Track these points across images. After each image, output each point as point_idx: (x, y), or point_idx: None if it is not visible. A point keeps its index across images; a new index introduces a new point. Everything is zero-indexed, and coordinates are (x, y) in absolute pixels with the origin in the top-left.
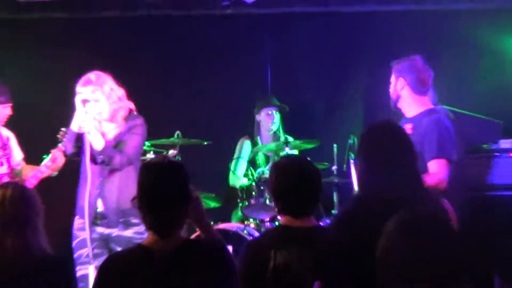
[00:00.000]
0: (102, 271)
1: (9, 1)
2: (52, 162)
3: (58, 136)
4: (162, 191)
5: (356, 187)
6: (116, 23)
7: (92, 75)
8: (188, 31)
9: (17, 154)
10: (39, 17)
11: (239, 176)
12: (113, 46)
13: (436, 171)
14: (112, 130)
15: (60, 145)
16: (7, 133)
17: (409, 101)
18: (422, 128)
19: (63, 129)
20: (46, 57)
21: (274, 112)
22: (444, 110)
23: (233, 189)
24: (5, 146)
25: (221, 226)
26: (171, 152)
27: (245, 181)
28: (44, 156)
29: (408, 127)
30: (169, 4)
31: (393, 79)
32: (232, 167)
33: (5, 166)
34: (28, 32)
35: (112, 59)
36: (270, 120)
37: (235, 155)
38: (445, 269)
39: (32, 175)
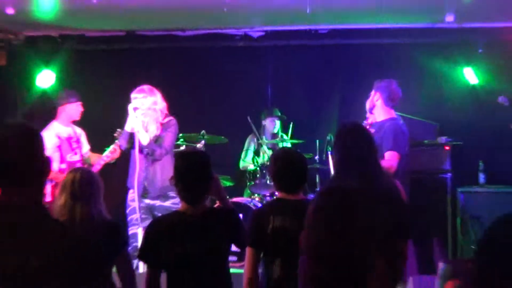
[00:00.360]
0: (150, 229)
1: (79, 36)
2: (111, 154)
3: (115, 135)
4: (192, 173)
5: (332, 172)
6: (162, 52)
7: (145, 87)
8: (212, 58)
9: (85, 146)
10: (102, 49)
11: (247, 162)
12: (160, 68)
13: (389, 159)
14: (154, 129)
15: (116, 141)
16: (80, 130)
17: (380, 110)
18: (385, 129)
19: (118, 129)
20: (107, 77)
21: (275, 120)
22: (400, 118)
23: (243, 172)
24: (78, 140)
25: (235, 199)
26: (199, 145)
27: (251, 167)
28: (106, 148)
29: (373, 129)
30: (200, 38)
31: (373, 92)
32: (242, 156)
33: (78, 155)
34: (94, 60)
35: (159, 78)
36: (272, 126)
37: (244, 148)
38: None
39: (97, 162)
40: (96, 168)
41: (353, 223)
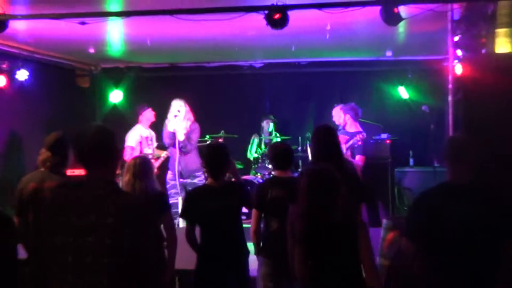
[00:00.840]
0: (188, 196)
1: (138, 67)
2: (158, 162)
3: (163, 156)
4: (216, 158)
5: (310, 158)
6: (194, 78)
7: (181, 100)
8: (227, 82)
9: (155, 143)
10: (154, 76)
11: (252, 153)
12: (192, 89)
13: (359, 160)
14: (185, 129)
15: (164, 153)
16: (153, 133)
17: (350, 125)
18: (357, 139)
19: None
20: (157, 95)
21: (269, 122)
22: (362, 128)
23: (249, 159)
24: (152, 139)
25: (244, 177)
26: (220, 140)
27: (255, 155)
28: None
29: (347, 136)
30: (219, 68)
31: (340, 113)
32: (248, 149)
33: (151, 149)
34: (148, 83)
35: (192, 96)
36: (267, 126)
37: (250, 143)
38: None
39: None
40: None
41: (333, 193)
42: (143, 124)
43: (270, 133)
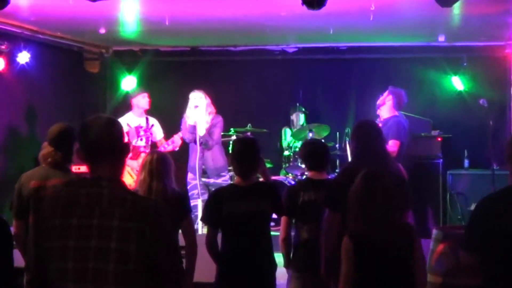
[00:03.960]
0: (212, 197)
1: (155, 50)
2: (172, 143)
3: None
4: (246, 154)
5: (349, 157)
6: (218, 63)
7: (200, 92)
8: (256, 68)
9: (159, 134)
10: (173, 60)
11: (287, 142)
12: (216, 76)
13: (392, 145)
14: (206, 123)
15: (180, 133)
16: (153, 121)
17: (387, 109)
18: (390, 123)
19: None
20: (176, 82)
21: (300, 114)
22: (402, 116)
23: (279, 156)
24: (148, 129)
25: (273, 177)
26: (248, 134)
27: (286, 153)
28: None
29: (380, 124)
30: (248, 53)
31: (386, 93)
32: (283, 139)
33: (144, 141)
34: (166, 69)
35: (216, 84)
36: (297, 119)
37: (283, 133)
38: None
39: (162, 145)
40: (161, 150)
41: (381, 198)
42: (134, 111)
43: (302, 127)
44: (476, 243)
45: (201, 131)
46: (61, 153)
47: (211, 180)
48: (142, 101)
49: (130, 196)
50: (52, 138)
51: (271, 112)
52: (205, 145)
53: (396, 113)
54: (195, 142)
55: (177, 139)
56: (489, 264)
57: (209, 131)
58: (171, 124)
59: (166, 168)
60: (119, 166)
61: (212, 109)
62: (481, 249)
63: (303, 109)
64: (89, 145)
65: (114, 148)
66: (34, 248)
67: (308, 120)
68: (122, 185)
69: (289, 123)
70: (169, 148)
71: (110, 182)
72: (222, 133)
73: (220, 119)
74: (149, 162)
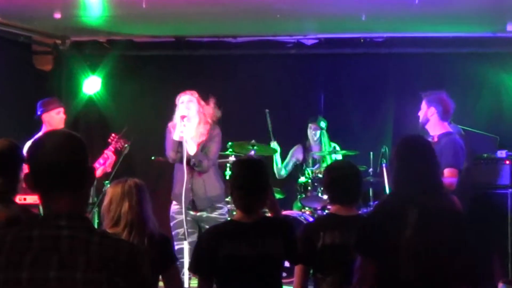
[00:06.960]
0: (204, 238)
1: (127, 42)
2: (104, 162)
3: (109, 140)
4: (250, 181)
5: (387, 185)
6: (212, 59)
7: (191, 92)
8: (263, 65)
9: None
10: (151, 55)
11: (282, 167)
12: (209, 75)
13: (448, 176)
14: (200, 136)
15: (110, 147)
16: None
17: (435, 124)
18: (442, 145)
19: (113, 134)
20: (155, 84)
21: (317, 130)
22: (458, 131)
23: (293, 184)
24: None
25: (284, 212)
26: (251, 153)
27: (302, 179)
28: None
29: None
30: (251, 46)
31: (424, 106)
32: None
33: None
34: (142, 66)
35: (208, 86)
36: (312, 133)
37: (288, 157)
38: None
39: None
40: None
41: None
42: (45, 130)
43: (320, 145)
44: None
45: (191, 149)
46: (2, 180)
47: (204, 214)
48: (55, 118)
49: (97, 239)
50: None
51: (282, 124)
52: (199, 166)
53: (449, 128)
54: (181, 161)
55: (110, 154)
56: None
57: (203, 148)
58: (150, 138)
59: (147, 199)
60: (82, 198)
61: (208, 116)
62: None
63: (322, 123)
64: (41, 169)
65: (75, 173)
66: None
67: (329, 133)
68: (87, 223)
69: (304, 139)
70: (99, 171)
71: (70, 220)
72: (219, 151)
73: (218, 131)
74: (127, 191)
